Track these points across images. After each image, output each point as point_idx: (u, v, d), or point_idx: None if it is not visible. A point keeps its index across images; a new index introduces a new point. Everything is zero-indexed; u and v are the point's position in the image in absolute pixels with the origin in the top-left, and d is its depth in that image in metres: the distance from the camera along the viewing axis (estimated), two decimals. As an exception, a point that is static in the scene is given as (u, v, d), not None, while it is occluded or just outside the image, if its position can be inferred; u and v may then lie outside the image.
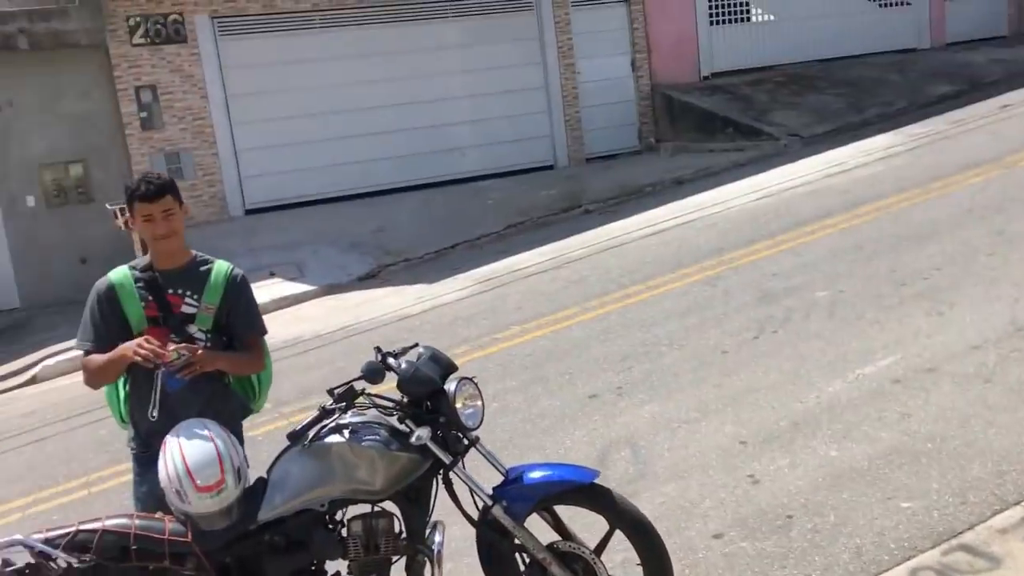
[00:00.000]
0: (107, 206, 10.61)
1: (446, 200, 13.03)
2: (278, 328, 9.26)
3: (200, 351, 3.30)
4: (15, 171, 11.92)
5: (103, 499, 5.66)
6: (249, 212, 13.02)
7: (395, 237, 11.76)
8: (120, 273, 3.43)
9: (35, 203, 12.08)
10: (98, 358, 3.35)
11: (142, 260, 3.47)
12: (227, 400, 3.55)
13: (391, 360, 3.53)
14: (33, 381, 9.39)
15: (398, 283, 10.15)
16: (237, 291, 3.52)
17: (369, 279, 10.62)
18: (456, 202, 12.89)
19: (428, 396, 3.36)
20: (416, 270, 10.57)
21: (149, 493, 3.41)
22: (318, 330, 8.73)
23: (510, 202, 12.52)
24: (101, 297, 3.38)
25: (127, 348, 3.24)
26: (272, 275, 10.90)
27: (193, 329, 3.44)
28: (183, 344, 3.28)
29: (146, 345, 3.19)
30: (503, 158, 14.25)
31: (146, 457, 3.42)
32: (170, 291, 3.43)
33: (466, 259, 10.49)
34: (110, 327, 3.39)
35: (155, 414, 3.32)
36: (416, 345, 3.71)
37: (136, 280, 3.41)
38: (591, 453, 4.82)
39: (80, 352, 3.41)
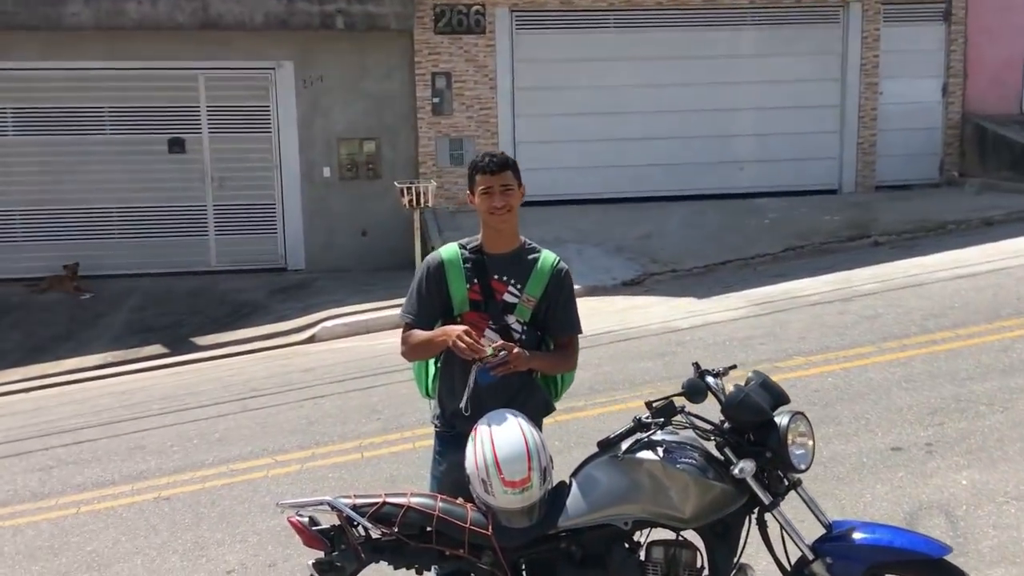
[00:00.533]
0: (395, 183, 11.07)
1: (719, 214, 12.55)
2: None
3: (516, 350, 3.19)
4: (317, 142, 12.76)
5: (374, 466, 5.79)
6: (524, 204, 13.13)
7: (663, 246, 11.46)
8: (451, 250, 3.38)
9: (330, 174, 12.88)
10: (419, 334, 3.31)
11: (472, 240, 3.40)
12: (533, 395, 3.42)
13: (710, 379, 3.26)
14: (312, 340, 9.96)
15: (664, 293, 9.84)
16: (559, 286, 3.37)
17: (633, 285, 10.39)
18: (729, 217, 12.37)
19: (754, 426, 3.04)
20: (683, 282, 10.21)
21: (447, 473, 3.34)
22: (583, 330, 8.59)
23: (788, 223, 11.84)
24: (431, 272, 3.35)
25: (449, 333, 3.18)
26: (538, 269, 10.90)
27: (511, 319, 3.33)
28: (501, 343, 3.19)
29: (466, 338, 3.11)
30: (783, 176, 13.54)
31: (449, 437, 3.36)
32: (495, 276, 3.33)
33: (738, 278, 10.00)
34: (433, 303, 3.34)
35: (466, 407, 3.24)
36: (734, 366, 3.42)
37: (464, 260, 3.34)
38: (896, 513, 4.29)
39: (401, 322, 3.40)
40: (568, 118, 13.16)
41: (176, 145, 12.50)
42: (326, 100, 12.67)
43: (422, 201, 10.59)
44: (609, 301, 9.82)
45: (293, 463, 6.02)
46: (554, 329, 3.39)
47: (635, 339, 8.02)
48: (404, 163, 12.94)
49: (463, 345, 3.10)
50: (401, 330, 3.40)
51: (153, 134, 12.41)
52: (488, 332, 3.31)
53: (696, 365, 3.33)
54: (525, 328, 3.34)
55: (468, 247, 3.36)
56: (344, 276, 12.30)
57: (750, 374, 3.18)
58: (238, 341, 10.15)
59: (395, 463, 5.76)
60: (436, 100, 12.92)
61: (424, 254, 12.28)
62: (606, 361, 7.44)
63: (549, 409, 3.50)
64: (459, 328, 3.16)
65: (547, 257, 3.39)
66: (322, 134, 12.75)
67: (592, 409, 6.34)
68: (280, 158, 12.68)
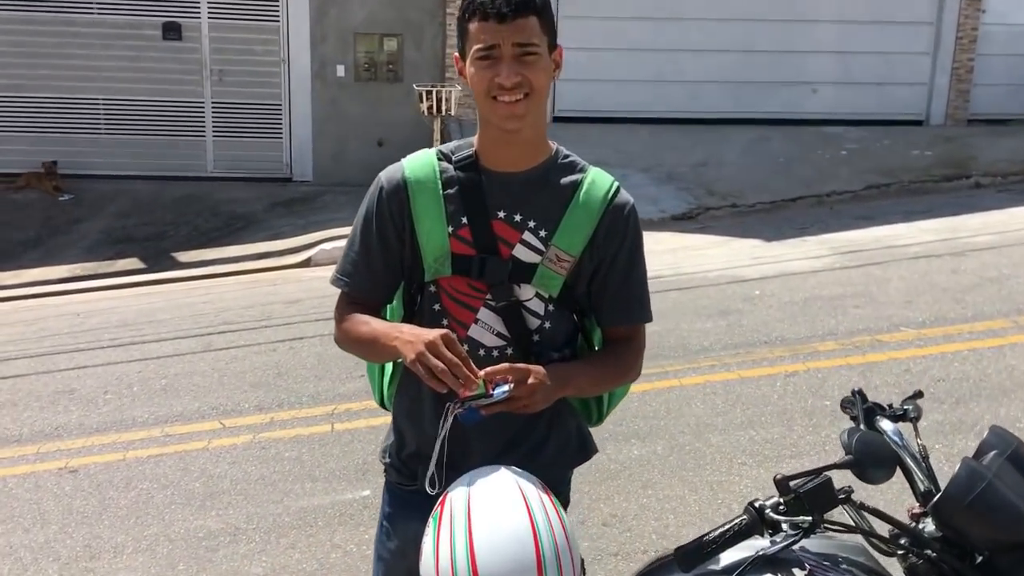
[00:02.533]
0: (414, 87, 9.54)
1: (786, 141, 10.88)
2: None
3: (533, 380, 1.72)
4: (331, 36, 11.17)
5: (345, 443, 4.45)
6: (557, 119, 11.57)
7: (721, 176, 9.87)
8: (422, 162, 1.89)
9: (344, 74, 11.31)
10: (358, 322, 1.87)
11: (462, 146, 1.91)
12: (560, 430, 1.98)
13: (884, 424, 1.79)
14: (307, 264, 8.59)
15: (722, 232, 8.31)
16: (619, 234, 1.90)
17: (686, 220, 8.86)
18: (799, 146, 10.71)
19: (996, 545, 1.58)
20: (746, 220, 8.67)
21: (400, 555, 1.93)
22: (623, 272, 7.13)
23: (870, 156, 10.18)
24: (383, 198, 1.88)
25: (405, 337, 1.73)
26: (574, 194, 9.41)
27: (526, 292, 1.88)
28: (504, 368, 1.72)
29: (432, 359, 1.65)
30: (862, 102, 11.78)
31: (406, 494, 1.94)
32: (500, 213, 1.86)
33: (813, 218, 8.43)
34: (386, 258, 1.89)
35: (431, 481, 1.76)
36: (920, 394, 1.93)
37: (446, 181, 1.87)
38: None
39: (336, 289, 1.96)
40: (616, 22, 11.43)
41: (171, 31, 10.96)
42: (342, -13, 11.03)
43: (443, 108, 9.07)
44: (656, 238, 8.26)
45: (243, 431, 4.69)
46: (605, 312, 1.96)
47: (689, 289, 6.54)
48: (429, 65, 11.32)
49: (424, 369, 1.67)
50: (337, 300, 1.97)
51: (146, 16, 10.87)
52: (480, 318, 1.88)
53: (858, 394, 1.88)
54: (551, 308, 1.91)
55: (455, 157, 1.89)
56: (354, 191, 10.77)
57: (987, 434, 1.69)
58: (224, 260, 8.80)
59: (372, 442, 4.40)
60: (467, -6, 11.23)
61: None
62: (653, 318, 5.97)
63: (587, 452, 2.06)
64: (426, 333, 1.71)
65: (597, 181, 1.92)
66: (337, 27, 11.14)
67: (635, 384, 4.91)
68: (288, 52, 11.11)
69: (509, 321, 1.88)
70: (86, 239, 9.60)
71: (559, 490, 1.86)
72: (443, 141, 10.52)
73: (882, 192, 9.08)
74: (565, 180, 1.90)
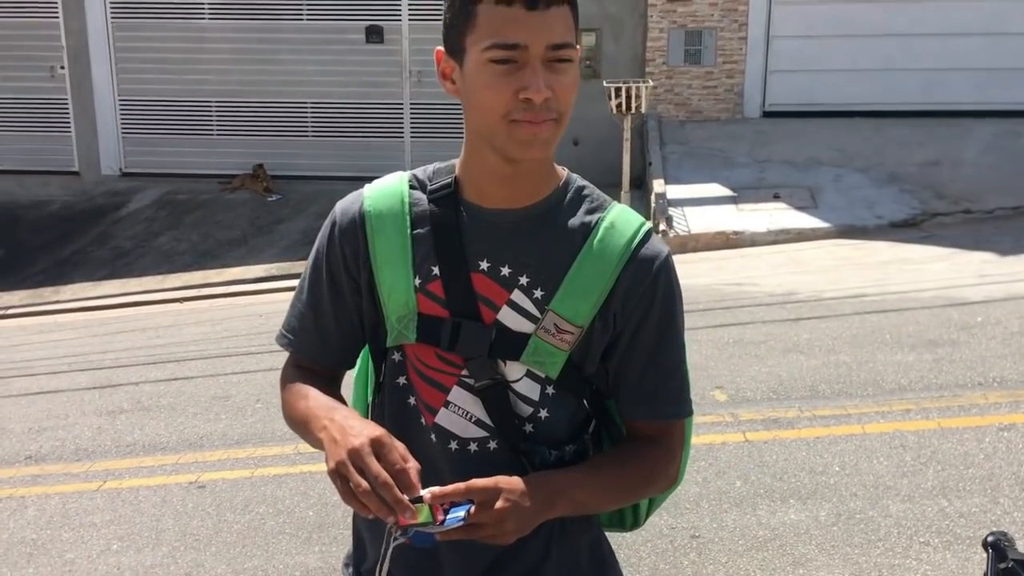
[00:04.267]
0: (604, 83, 9.06)
1: (1039, 137, 9.40)
2: (766, 272, 7.02)
3: (503, 500, 1.25)
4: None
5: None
6: (767, 115, 10.68)
7: (955, 177, 8.65)
8: (387, 191, 1.43)
9: (540, 71, 11.01)
10: (297, 392, 1.44)
11: (441, 171, 1.44)
12: (567, 542, 1.47)
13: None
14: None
15: (948, 243, 7.22)
16: (647, 298, 1.36)
17: (906, 228, 7.81)
18: (1055, 142, 9.21)
19: None
20: (980, 229, 7.49)
21: None
22: (819, 289, 6.31)
23: None
24: (335, 236, 1.44)
25: (329, 435, 1.28)
26: (776, 198, 8.58)
27: (515, 371, 1.38)
28: (458, 489, 1.24)
29: (361, 468, 1.20)
30: None
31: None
32: (484, 263, 1.37)
33: (1064, 228, 7.15)
34: (340, 309, 1.44)
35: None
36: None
37: (417, 216, 1.40)
38: None
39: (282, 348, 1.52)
40: (839, 5, 10.35)
41: (374, 34, 11.14)
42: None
43: (633, 105, 8.52)
44: (867, 248, 7.37)
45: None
46: (625, 401, 1.43)
47: (895, 312, 5.63)
48: (629, 60, 10.81)
49: (341, 485, 1.21)
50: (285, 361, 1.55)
51: (350, 21, 11.11)
52: (453, 400, 1.41)
53: (993, 546, 1.26)
54: (549, 391, 1.40)
55: (431, 186, 1.42)
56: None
57: None
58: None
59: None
60: (673, -18, 10.58)
61: (636, 177, 10.21)
62: (843, 345, 5.17)
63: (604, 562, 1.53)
64: (354, 430, 1.25)
65: (618, 223, 1.39)
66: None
67: (806, 427, 4.21)
68: (486, 51, 10.97)
69: (491, 406, 1.39)
70: (286, 238, 9.92)
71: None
72: (641, 142, 9.98)
73: None
74: (574, 222, 1.39)
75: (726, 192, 8.77)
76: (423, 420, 1.42)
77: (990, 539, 1.29)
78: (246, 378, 5.79)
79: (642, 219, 1.41)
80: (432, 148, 11.23)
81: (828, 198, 8.50)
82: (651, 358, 1.38)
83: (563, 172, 1.43)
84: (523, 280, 1.37)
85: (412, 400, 1.43)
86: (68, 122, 11.58)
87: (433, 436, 1.41)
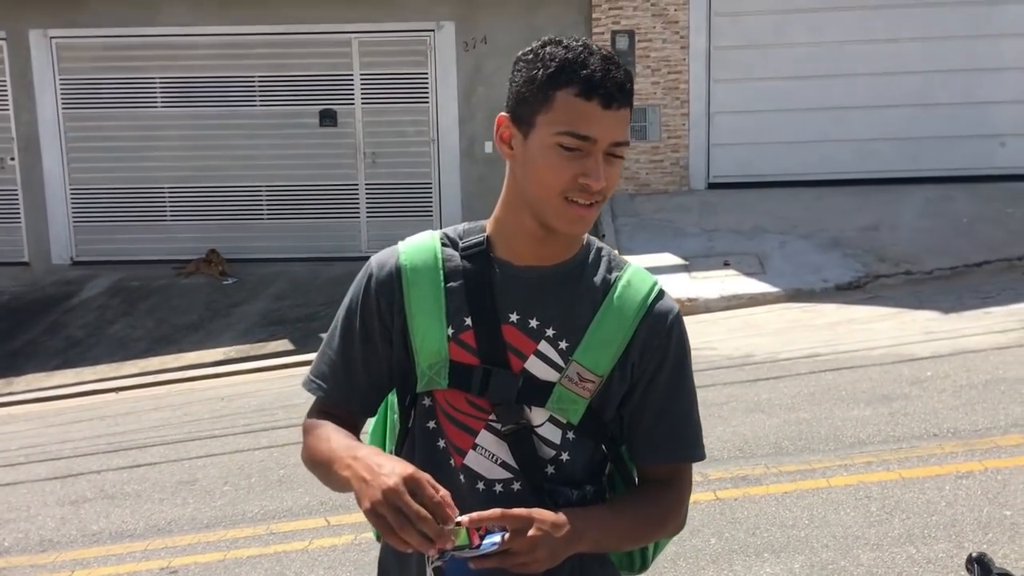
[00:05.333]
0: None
1: (970, 201, 9.87)
2: (722, 336, 7.20)
3: (536, 529, 1.35)
4: (479, 114, 11.20)
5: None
6: (712, 186, 11.06)
7: (894, 240, 9.02)
8: (422, 247, 1.56)
9: (492, 150, 11.29)
10: (321, 435, 1.52)
11: (473, 230, 1.58)
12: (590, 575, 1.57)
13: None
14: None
15: (893, 303, 7.50)
16: (661, 350, 1.50)
17: (852, 290, 8.09)
18: (985, 205, 9.68)
19: None
20: (921, 289, 7.80)
21: None
22: (774, 350, 6.50)
23: (1070, 214, 9.04)
24: (371, 287, 1.55)
25: (357, 474, 1.36)
26: (727, 265, 8.84)
27: (539, 416, 1.50)
28: (495, 514, 1.35)
29: (399, 505, 1.28)
30: (1060, 154, 10.57)
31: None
32: (514, 316, 1.49)
33: (1000, 286, 7.48)
34: (371, 357, 1.55)
35: None
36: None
37: (451, 270, 1.53)
38: None
39: (308, 393, 1.63)
40: (774, 82, 10.85)
41: (328, 117, 11.35)
42: (489, 65, 11.06)
43: (585, 180, 8.77)
44: (816, 311, 7.61)
45: (347, 530, 4.44)
46: (640, 447, 1.55)
47: (848, 370, 5.83)
48: (577, 137, 11.14)
49: (380, 524, 1.30)
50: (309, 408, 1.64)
51: (304, 105, 11.32)
52: (480, 443, 1.51)
53: (977, 563, 1.38)
54: (570, 436, 1.52)
55: (462, 244, 1.56)
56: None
57: None
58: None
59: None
60: (616, 63, 11.01)
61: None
62: (802, 402, 5.33)
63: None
64: (386, 469, 1.33)
65: (634, 282, 1.54)
66: (484, 104, 11.16)
67: (774, 483, 4.32)
68: (438, 131, 11.25)
69: (516, 449, 1.51)
70: (243, 321, 9.89)
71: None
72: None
73: (1086, 254, 7.98)
74: (596, 279, 1.53)
75: (678, 261, 9.01)
76: (452, 462, 1.52)
77: (975, 555, 1.40)
78: (212, 461, 5.74)
79: (654, 278, 1.56)
80: (389, 227, 11.37)
81: (776, 264, 8.78)
82: (665, 405, 1.51)
83: (585, 236, 1.56)
84: (550, 332, 1.49)
85: (442, 443, 1.53)
86: (18, 212, 11.52)
87: (462, 477, 1.52)
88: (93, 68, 11.31)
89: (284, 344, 9.12)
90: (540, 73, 1.43)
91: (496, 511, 1.34)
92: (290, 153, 11.34)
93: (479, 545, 1.33)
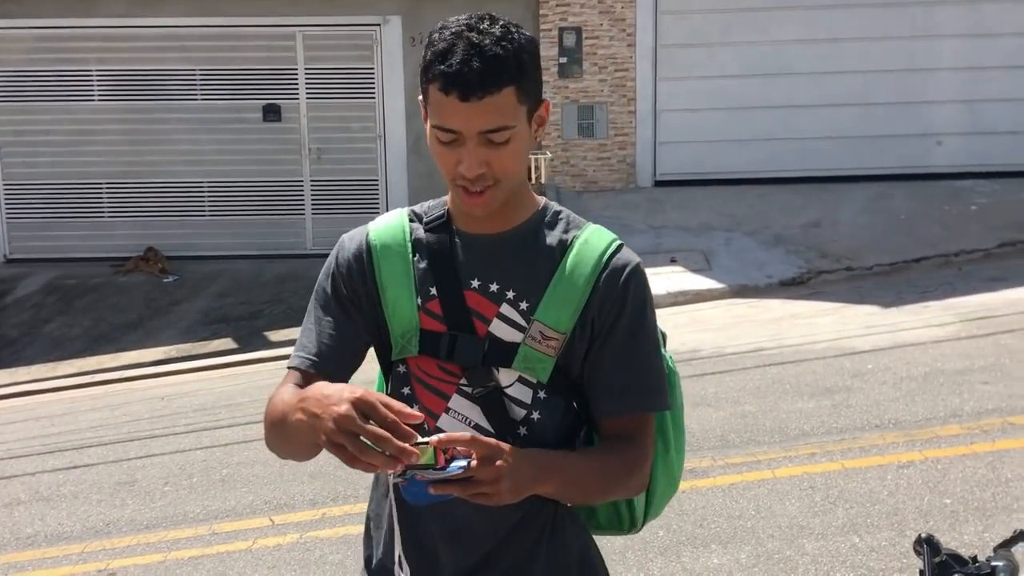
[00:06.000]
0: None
1: (909, 198, 10.09)
2: (669, 331, 7.21)
3: (503, 460, 1.34)
4: (425, 110, 11.12)
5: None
6: (659, 183, 11.14)
7: (835, 236, 9.17)
8: (390, 224, 1.59)
9: (439, 146, 11.23)
10: (276, 400, 1.50)
11: (435, 206, 1.62)
12: (558, 543, 1.56)
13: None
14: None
15: (835, 298, 7.62)
16: (619, 301, 1.50)
17: (795, 286, 8.20)
18: (923, 202, 9.90)
19: None
20: (862, 285, 7.94)
21: None
22: (720, 345, 6.55)
23: (1004, 211, 9.28)
24: (342, 263, 1.58)
25: (309, 411, 1.33)
26: (673, 262, 8.91)
27: (508, 377, 1.51)
28: (464, 437, 1.32)
29: (351, 431, 1.25)
30: (994, 153, 10.84)
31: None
32: (475, 282, 1.51)
33: (938, 281, 7.64)
34: (348, 330, 1.55)
35: (399, 556, 1.51)
36: (1021, 536, 1.41)
37: (416, 243, 1.56)
38: None
39: (292, 367, 1.60)
40: (720, 81, 10.97)
41: (271, 112, 11.17)
42: (436, 61, 10.97)
43: (534, 177, 8.78)
44: (761, 306, 7.69)
45: (291, 529, 4.36)
46: (600, 399, 1.55)
47: (791, 364, 5.91)
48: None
49: (338, 452, 1.28)
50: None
51: (247, 100, 11.12)
52: (453, 406, 1.55)
53: (927, 544, 1.42)
54: (541, 395, 1.53)
55: (426, 218, 1.59)
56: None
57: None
58: (313, 338, 8.68)
59: None
60: (563, 60, 11.03)
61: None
62: (748, 396, 5.38)
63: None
64: (334, 397, 1.30)
65: (592, 240, 1.55)
66: (431, 100, 11.09)
67: (720, 475, 4.35)
68: (384, 128, 11.14)
69: (488, 411, 1.53)
70: (184, 320, 9.68)
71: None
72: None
73: (1018, 250, 8.19)
74: (552, 240, 1.55)
75: (625, 258, 9.05)
76: (426, 425, 1.51)
77: (924, 536, 1.41)
78: (151, 461, 5.60)
79: (614, 236, 1.57)
80: (334, 225, 11.22)
81: (721, 261, 8.87)
82: (624, 355, 1.51)
83: (541, 200, 1.58)
84: (510, 294, 1.51)
85: (416, 408, 1.50)
86: (-52, 209, 11.14)
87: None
88: (27, 60, 10.99)
89: (227, 343, 8.95)
90: (422, 65, 1.46)
91: (467, 433, 1.33)
92: (232, 148, 11.14)
93: (444, 467, 1.29)
